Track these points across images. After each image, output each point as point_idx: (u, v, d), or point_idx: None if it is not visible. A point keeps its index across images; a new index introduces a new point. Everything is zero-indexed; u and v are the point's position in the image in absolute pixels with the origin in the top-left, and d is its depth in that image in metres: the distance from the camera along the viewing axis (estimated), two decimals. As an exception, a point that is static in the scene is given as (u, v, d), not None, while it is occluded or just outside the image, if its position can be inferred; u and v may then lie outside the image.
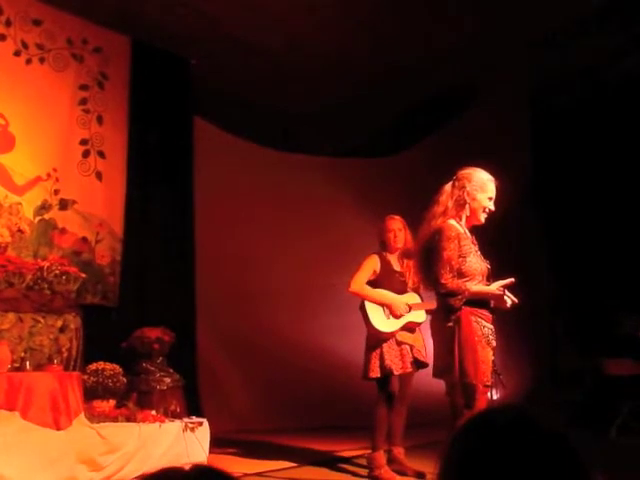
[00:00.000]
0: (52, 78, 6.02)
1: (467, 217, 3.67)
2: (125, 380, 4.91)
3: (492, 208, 3.68)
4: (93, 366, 4.80)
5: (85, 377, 4.65)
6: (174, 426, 4.72)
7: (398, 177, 8.36)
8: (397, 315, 4.77)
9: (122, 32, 6.53)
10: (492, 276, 3.63)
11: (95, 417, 4.40)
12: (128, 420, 4.55)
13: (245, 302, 7.31)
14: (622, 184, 8.15)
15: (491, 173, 3.75)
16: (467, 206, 3.63)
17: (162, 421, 4.67)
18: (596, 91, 8.16)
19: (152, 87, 6.67)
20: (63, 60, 6.11)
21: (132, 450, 4.38)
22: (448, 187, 3.72)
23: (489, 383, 3.47)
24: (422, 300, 4.97)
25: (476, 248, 3.67)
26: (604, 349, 7.02)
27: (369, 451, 4.80)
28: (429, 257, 3.61)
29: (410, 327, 4.82)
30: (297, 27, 7.02)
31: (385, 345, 4.70)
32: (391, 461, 4.76)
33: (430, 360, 4.96)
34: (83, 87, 6.23)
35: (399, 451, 4.83)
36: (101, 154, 6.28)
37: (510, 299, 3.55)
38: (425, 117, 8.82)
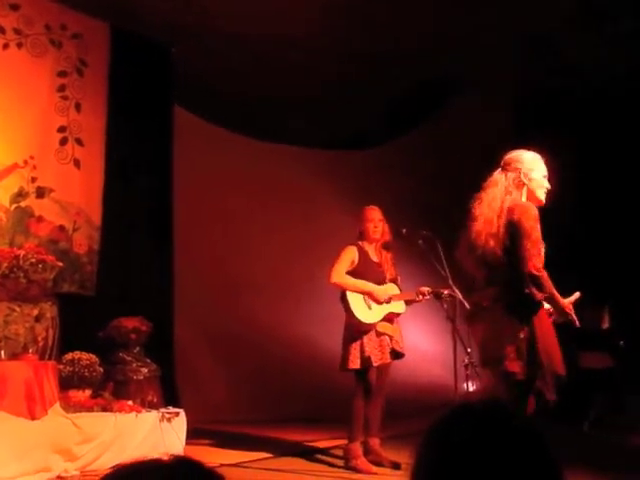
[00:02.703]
0: (30, 64, 5.93)
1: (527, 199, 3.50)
2: (102, 370, 4.88)
3: (549, 186, 3.53)
4: (69, 355, 4.76)
5: (61, 366, 4.62)
6: (151, 416, 4.70)
7: (381, 169, 8.39)
8: (379, 301, 4.78)
9: (101, 18, 6.45)
10: None
11: (71, 407, 4.38)
12: (104, 410, 4.54)
13: (224, 292, 7.29)
14: (605, 182, 8.26)
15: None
16: (525, 187, 3.48)
17: (138, 411, 4.65)
18: (581, 87, 8.22)
19: (132, 75, 6.59)
20: (41, 46, 6.02)
21: (108, 440, 4.36)
22: (497, 174, 3.54)
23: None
24: (401, 291, 4.99)
25: None
26: (578, 343, 7.09)
27: (346, 442, 4.83)
28: (512, 236, 3.34)
29: (390, 318, 4.85)
30: (280, 15, 6.97)
31: (366, 337, 4.71)
32: (367, 452, 4.79)
33: (407, 350, 5.01)
34: (61, 73, 6.15)
35: (375, 442, 4.85)
36: (79, 142, 6.21)
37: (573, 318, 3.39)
38: (410, 110, 8.84)
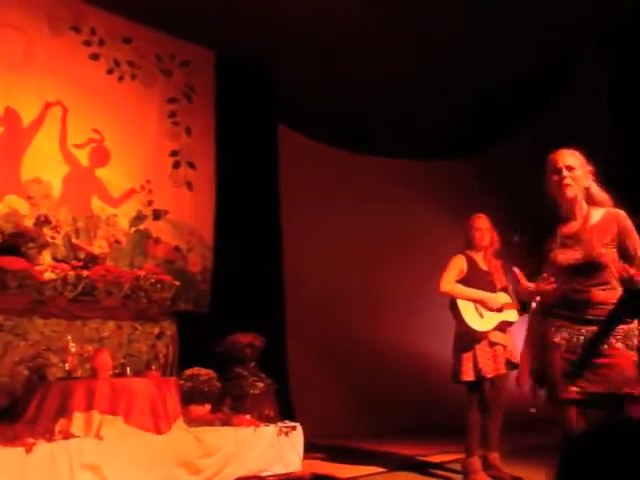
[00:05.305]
0: (142, 93, 6.24)
1: (561, 206, 3.37)
2: (219, 385, 4.99)
3: (561, 175, 3.28)
4: (189, 371, 4.91)
5: (181, 382, 4.76)
6: (269, 430, 4.76)
7: (486, 178, 8.23)
8: (491, 309, 4.67)
9: (205, 45, 6.70)
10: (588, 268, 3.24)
11: (192, 421, 4.50)
12: (224, 424, 4.62)
13: (334, 307, 7.34)
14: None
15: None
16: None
17: (257, 425, 4.72)
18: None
19: (237, 98, 6.81)
20: (152, 75, 6.32)
21: (229, 454, 4.45)
22: None
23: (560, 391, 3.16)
24: (512, 300, 4.85)
25: (571, 239, 3.32)
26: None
27: (463, 456, 4.73)
28: None
29: (502, 327, 4.72)
30: (375, 30, 7.01)
31: (478, 346, 4.60)
32: (487, 467, 4.66)
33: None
34: (172, 100, 6.44)
35: (495, 456, 4.71)
36: (191, 165, 6.46)
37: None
38: (509, 112, 8.64)
